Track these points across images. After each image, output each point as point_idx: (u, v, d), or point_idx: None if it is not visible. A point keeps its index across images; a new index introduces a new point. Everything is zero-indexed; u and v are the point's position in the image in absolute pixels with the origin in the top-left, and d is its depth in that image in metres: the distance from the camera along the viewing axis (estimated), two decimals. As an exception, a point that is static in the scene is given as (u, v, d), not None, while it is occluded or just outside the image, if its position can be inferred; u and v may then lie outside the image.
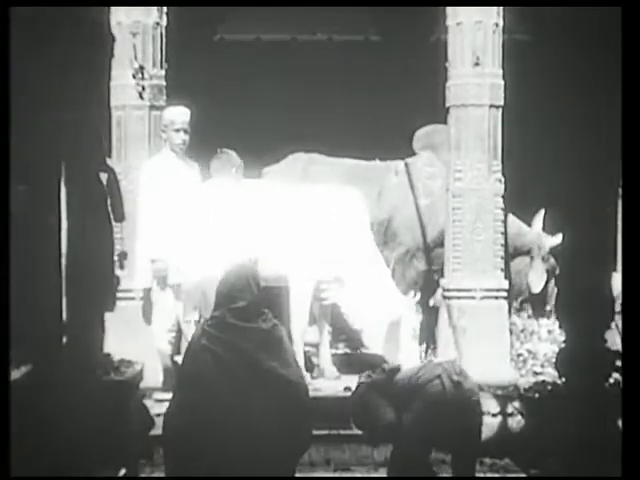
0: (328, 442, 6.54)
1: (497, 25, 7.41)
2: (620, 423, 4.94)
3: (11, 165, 4.58)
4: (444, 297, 7.59)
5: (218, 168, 7.31)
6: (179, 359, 7.01)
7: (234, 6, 9.88)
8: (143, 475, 6.39)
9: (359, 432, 5.81)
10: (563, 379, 6.15)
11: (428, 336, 7.62)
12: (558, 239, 7.65)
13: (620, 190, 5.43)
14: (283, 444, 4.69)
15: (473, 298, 7.41)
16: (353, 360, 7.84)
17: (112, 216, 5.78)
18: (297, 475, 4.93)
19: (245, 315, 4.78)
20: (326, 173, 8.25)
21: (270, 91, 10.45)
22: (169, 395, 5.72)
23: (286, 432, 4.68)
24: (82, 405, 5.16)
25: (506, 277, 7.61)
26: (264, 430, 4.64)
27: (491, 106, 7.45)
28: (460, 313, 7.43)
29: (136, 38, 7.36)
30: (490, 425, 6.58)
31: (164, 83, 7.51)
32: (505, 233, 7.64)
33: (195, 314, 7.01)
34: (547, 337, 7.96)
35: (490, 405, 6.73)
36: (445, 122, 7.72)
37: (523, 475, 6.48)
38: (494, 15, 7.40)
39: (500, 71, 7.46)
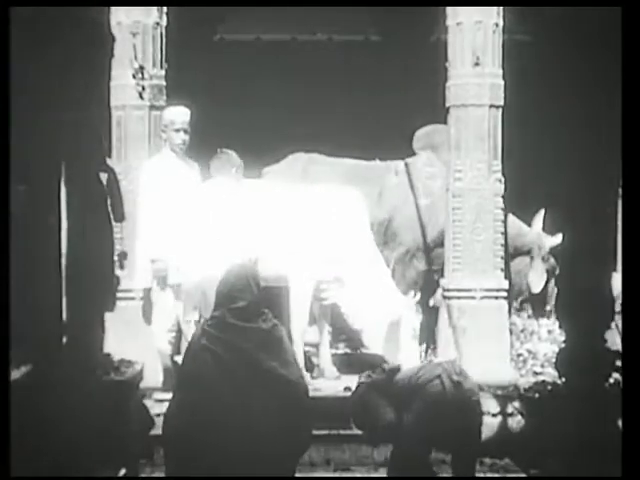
0: (328, 442, 6.53)
1: (497, 25, 7.42)
2: (620, 423, 4.94)
3: (11, 165, 4.58)
4: (444, 297, 7.59)
5: (218, 168, 7.32)
6: (179, 359, 7.02)
7: (234, 6, 9.88)
8: (143, 475, 6.39)
9: (359, 432, 5.81)
10: (563, 379, 6.15)
11: (428, 336, 7.62)
12: (558, 239, 7.65)
13: (620, 190, 5.43)
14: (283, 444, 4.69)
15: (473, 298, 7.41)
16: (353, 360, 7.83)
17: (112, 216, 5.78)
18: (297, 475, 4.93)
19: (245, 315, 4.78)
20: (326, 173, 8.25)
21: (270, 91, 10.45)
22: (169, 395, 5.72)
23: (286, 432, 4.68)
24: (82, 405, 5.16)
25: (506, 277, 7.61)
26: (264, 430, 4.64)
27: (491, 106, 7.45)
28: (460, 313, 7.43)
29: (136, 38, 7.36)
30: (490, 425, 6.58)
31: (164, 83, 7.51)
32: (505, 233, 7.64)
33: (195, 314, 7.02)
34: (547, 337, 7.96)
35: (490, 405, 6.73)
36: (445, 122, 7.72)
37: (523, 475, 6.48)
38: (494, 15, 7.40)
39: (500, 71, 7.46)
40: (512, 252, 8.31)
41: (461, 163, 7.51)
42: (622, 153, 5.08)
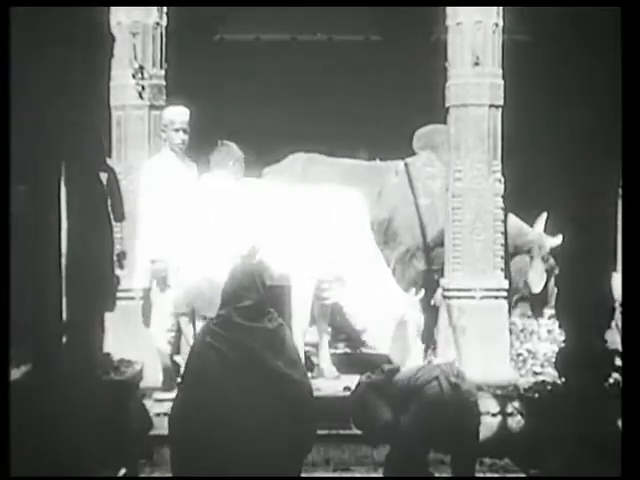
0: (328, 442, 6.53)
1: (497, 25, 7.41)
2: (620, 423, 4.94)
3: (11, 165, 4.58)
4: (444, 297, 7.59)
5: (217, 161, 7.30)
6: (178, 359, 7.03)
7: (234, 6, 9.88)
8: (143, 475, 6.39)
9: (359, 432, 5.81)
10: (563, 379, 6.16)
11: (428, 336, 7.62)
12: (558, 240, 7.65)
13: (620, 190, 5.43)
14: (287, 443, 4.69)
15: (473, 298, 7.41)
16: (353, 360, 7.84)
17: (112, 216, 5.79)
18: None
19: (251, 314, 4.78)
20: (326, 173, 8.24)
21: (270, 91, 10.46)
22: (169, 395, 5.74)
23: (290, 431, 4.68)
24: (82, 405, 5.17)
25: (506, 277, 7.61)
26: (268, 428, 4.64)
27: (491, 106, 7.44)
28: (460, 313, 7.43)
29: (136, 38, 7.35)
30: (490, 425, 6.58)
31: (164, 83, 7.50)
32: (505, 233, 7.64)
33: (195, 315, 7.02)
34: (547, 337, 7.97)
35: (490, 405, 6.74)
36: (445, 122, 7.71)
37: (523, 475, 6.48)
38: (494, 15, 7.40)
39: (500, 71, 7.45)
40: (512, 251, 8.31)
41: (461, 163, 7.50)
42: (622, 153, 5.08)
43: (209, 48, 10.60)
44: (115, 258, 6.40)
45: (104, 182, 5.80)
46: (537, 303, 8.45)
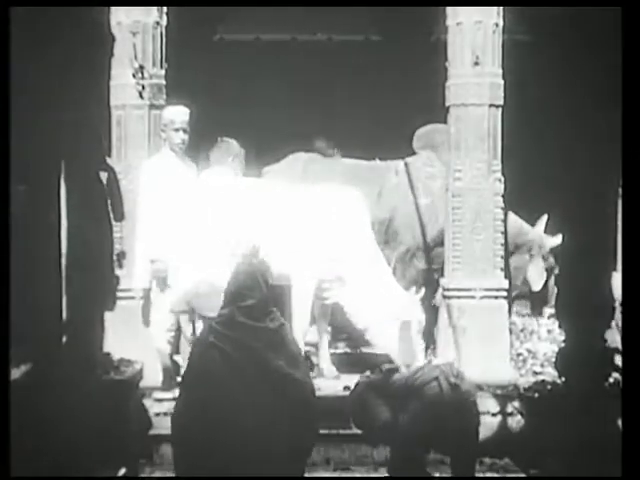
0: (328, 441, 6.52)
1: (497, 25, 7.41)
2: (620, 423, 4.94)
3: (11, 165, 4.58)
4: (444, 297, 7.59)
5: (217, 158, 7.30)
6: (178, 358, 7.03)
7: (234, 6, 9.88)
8: (143, 475, 6.39)
9: (358, 432, 5.82)
10: (563, 379, 6.16)
11: (428, 336, 7.61)
12: (559, 239, 7.65)
13: (620, 190, 5.43)
14: (290, 443, 4.69)
15: (473, 298, 7.41)
16: (353, 359, 7.84)
17: (112, 215, 5.79)
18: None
19: (254, 314, 4.78)
20: (326, 173, 8.24)
21: (270, 91, 10.45)
22: (168, 394, 5.75)
23: (292, 430, 4.69)
24: (82, 404, 5.17)
25: (506, 277, 7.61)
26: (270, 428, 4.64)
27: (491, 105, 7.44)
28: (460, 313, 7.43)
29: (136, 38, 7.35)
30: (490, 425, 6.58)
31: (164, 82, 7.50)
32: (505, 232, 7.64)
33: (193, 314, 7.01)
34: (547, 336, 7.96)
35: (490, 405, 6.74)
36: (445, 122, 7.71)
37: (523, 475, 6.48)
38: (494, 15, 7.40)
39: (500, 71, 7.45)
40: (512, 249, 8.31)
41: (461, 163, 7.50)
42: (622, 153, 5.08)
43: (209, 48, 10.59)
44: (115, 258, 6.40)
45: (104, 182, 5.80)
46: (537, 302, 8.45)
